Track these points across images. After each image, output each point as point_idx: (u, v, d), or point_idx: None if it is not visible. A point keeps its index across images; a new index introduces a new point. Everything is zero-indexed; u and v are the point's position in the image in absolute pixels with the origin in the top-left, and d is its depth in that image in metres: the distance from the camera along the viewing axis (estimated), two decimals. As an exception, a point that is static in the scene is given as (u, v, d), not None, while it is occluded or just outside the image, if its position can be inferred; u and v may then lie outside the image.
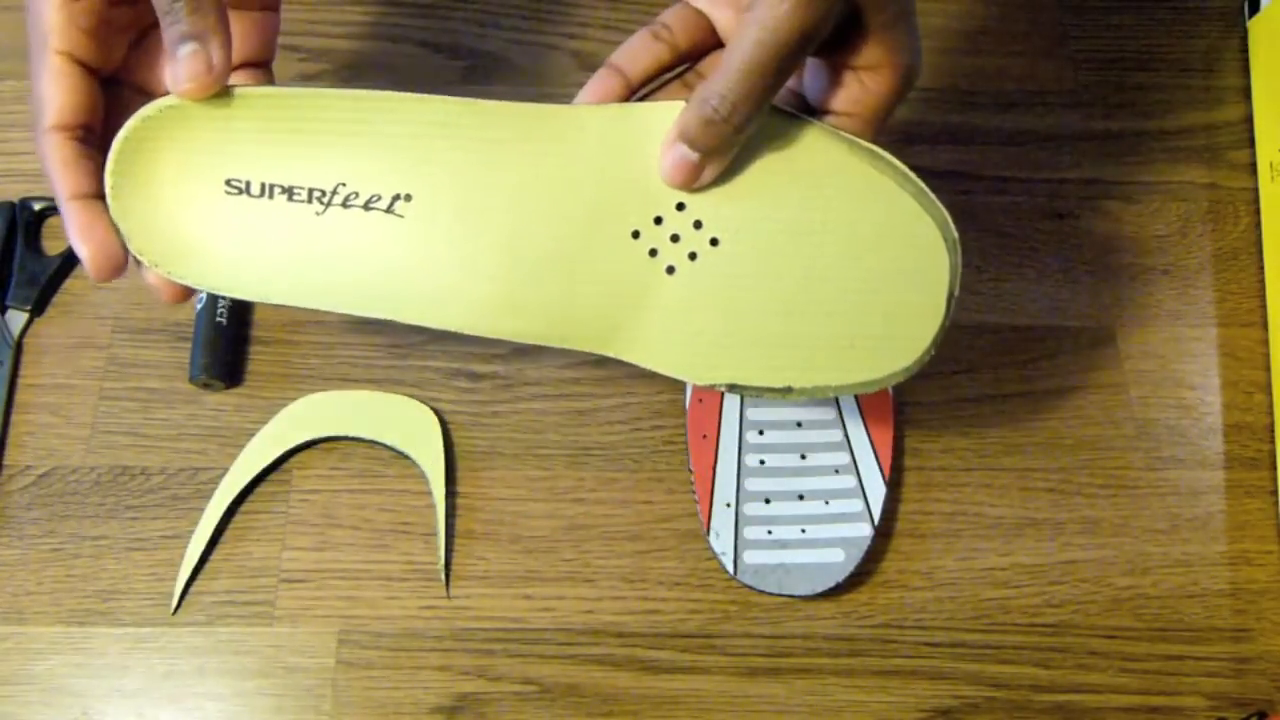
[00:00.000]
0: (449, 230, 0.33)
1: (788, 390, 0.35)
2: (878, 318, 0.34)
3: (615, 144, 0.33)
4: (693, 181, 0.33)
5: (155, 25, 0.34)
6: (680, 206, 0.33)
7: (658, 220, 0.34)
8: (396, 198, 0.33)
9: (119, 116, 0.33)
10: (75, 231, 0.32)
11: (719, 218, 0.34)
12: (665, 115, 0.33)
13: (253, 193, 0.33)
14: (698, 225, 0.34)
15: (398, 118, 0.32)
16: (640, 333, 0.34)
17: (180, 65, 0.31)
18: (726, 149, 0.32)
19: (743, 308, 0.34)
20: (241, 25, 0.35)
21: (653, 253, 0.34)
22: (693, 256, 0.34)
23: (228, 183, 0.33)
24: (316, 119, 0.33)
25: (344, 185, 0.33)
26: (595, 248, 0.34)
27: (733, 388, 0.35)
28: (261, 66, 0.37)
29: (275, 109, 0.32)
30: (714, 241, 0.34)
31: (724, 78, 0.30)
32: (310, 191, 0.33)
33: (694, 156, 0.32)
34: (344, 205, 0.33)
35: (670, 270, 0.34)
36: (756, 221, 0.34)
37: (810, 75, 0.35)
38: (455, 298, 0.33)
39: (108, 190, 0.32)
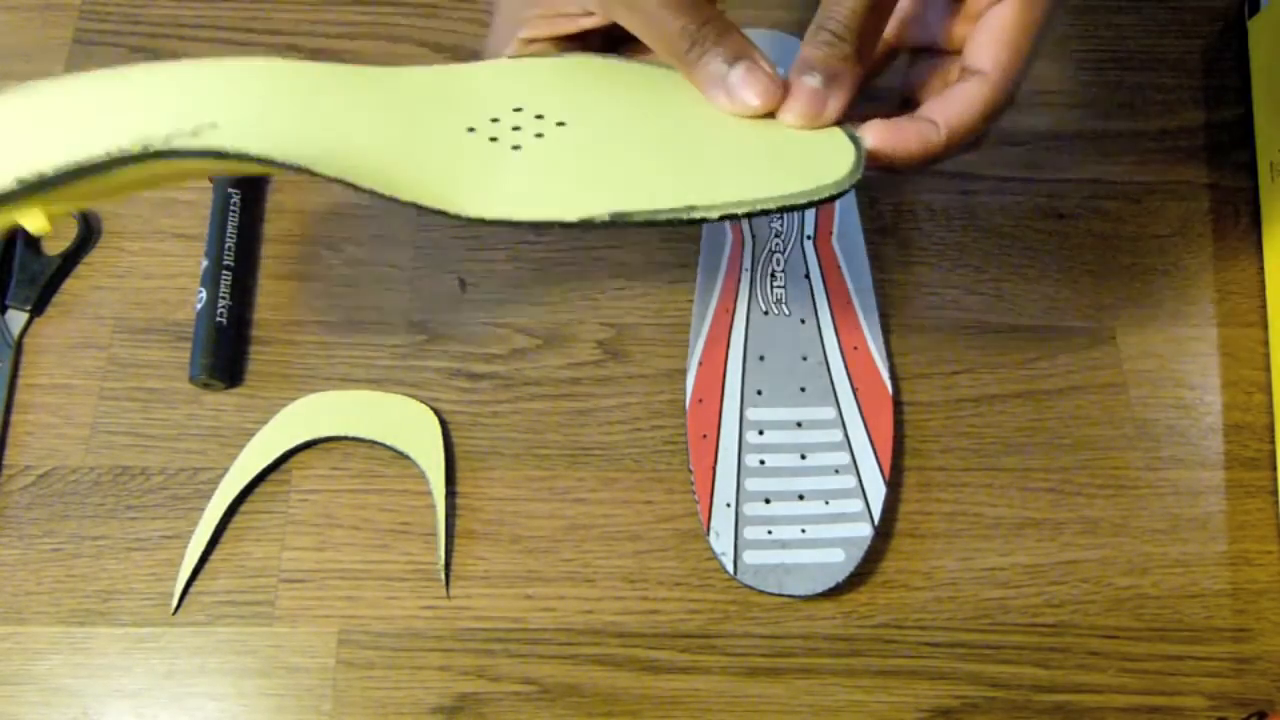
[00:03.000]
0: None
1: (689, 211, 0.30)
2: (788, 144, 0.32)
3: (436, 83, 0.33)
4: (818, 115, 0.32)
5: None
6: (517, 110, 0.32)
7: (494, 120, 0.32)
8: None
9: None
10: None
11: (564, 105, 0.32)
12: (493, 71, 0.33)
13: None
14: (539, 117, 0.32)
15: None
16: (487, 195, 0.31)
17: (741, 86, 0.31)
18: (848, 73, 0.32)
19: (612, 154, 0.31)
20: None
21: (492, 139, 0.32)
22: (539, 136, 0.32)
23: None
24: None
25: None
26: (424, 137, 0.32)
27: (617, 219, 0.30)
28: None
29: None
30: (561, 124, 0.32)
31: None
32: None
33: (816, 81, 0.31)
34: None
35: (516, 148, 0.32)
36: (607, 105, 0.32)
37: (911, 67, 0.35)
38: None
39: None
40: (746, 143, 0.32)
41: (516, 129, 0.32)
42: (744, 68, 0.31)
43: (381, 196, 0.30)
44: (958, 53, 0.35)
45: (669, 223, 0.30)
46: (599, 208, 0.30)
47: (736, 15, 0.56)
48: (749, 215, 0.30)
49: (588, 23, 0.34)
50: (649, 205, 0.30)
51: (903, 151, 0.32)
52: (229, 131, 0.30)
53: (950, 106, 0.32)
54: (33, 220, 0.30)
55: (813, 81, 0.32)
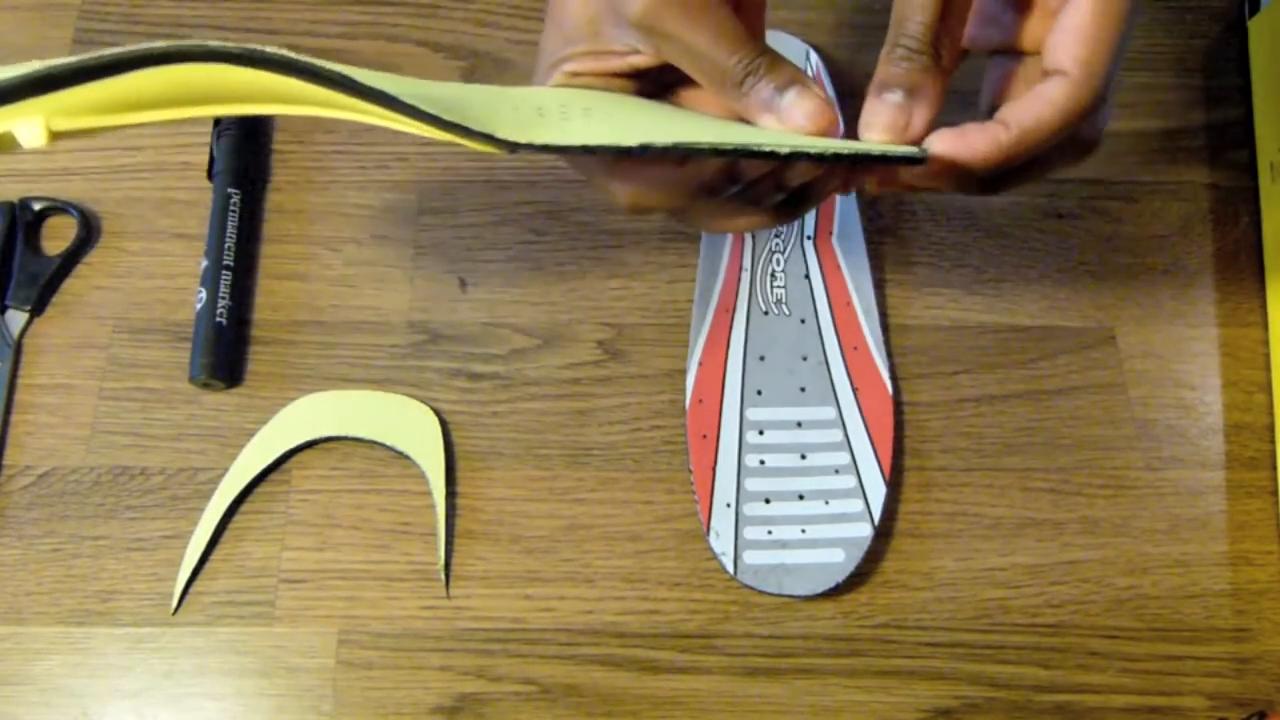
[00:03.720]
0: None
1: (758, 146, 0.28)
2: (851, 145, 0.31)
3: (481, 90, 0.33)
4: (903, 130, 0.31)
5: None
6: (563, 104, 0.31)
7: (539, 106, 0.31)
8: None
9: None
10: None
11: (612, 106, 0.32)
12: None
13: None
14: (586, 108, 0.32)
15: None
16: (537, 134, 0.29)
17: (791, 108, 0.31)
18: (929, 85, 0.31)
19: (670, 121, 0.31)
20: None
21: (540, 111, 0.31)
22: (587, 112, 0.31)
23: None
24: None
25: None
26: (471, 106, 0.30)
27: (679, 147, 0.28)
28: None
29: None
30: (609, 113, 0.32)
31: (911, 16, 0.30)
32: None
33: (897, 97, 0.31)
34: None
35: (563, 119, 0.30)
36: (659, 109, 0.32)
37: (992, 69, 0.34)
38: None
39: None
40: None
41: (563, 110, 0.31)
42: (795, 91, 0.31)
43: (420, 115, 0.28)
44: (1036, 53, 0.33)
45: (733, 153, 0.29)
46: (660, 137, 0.28)
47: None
48: (821, 158, 0.29)
49: (636, 60, 0.33)
50: (713, 139, 0.28)
51: (968, 151, 0.30)
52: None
53: (1024, 107, 0.31)
54: (30, 131, 0.27)
55: (894, 98, 0.31)
